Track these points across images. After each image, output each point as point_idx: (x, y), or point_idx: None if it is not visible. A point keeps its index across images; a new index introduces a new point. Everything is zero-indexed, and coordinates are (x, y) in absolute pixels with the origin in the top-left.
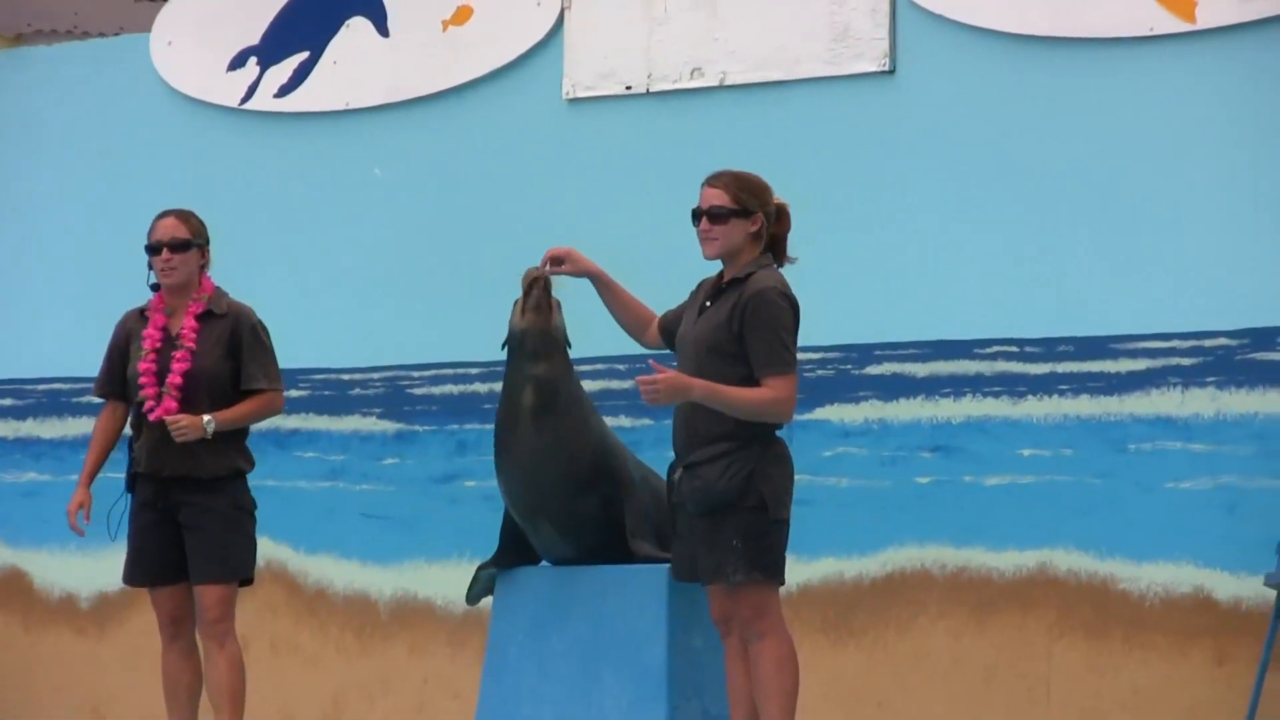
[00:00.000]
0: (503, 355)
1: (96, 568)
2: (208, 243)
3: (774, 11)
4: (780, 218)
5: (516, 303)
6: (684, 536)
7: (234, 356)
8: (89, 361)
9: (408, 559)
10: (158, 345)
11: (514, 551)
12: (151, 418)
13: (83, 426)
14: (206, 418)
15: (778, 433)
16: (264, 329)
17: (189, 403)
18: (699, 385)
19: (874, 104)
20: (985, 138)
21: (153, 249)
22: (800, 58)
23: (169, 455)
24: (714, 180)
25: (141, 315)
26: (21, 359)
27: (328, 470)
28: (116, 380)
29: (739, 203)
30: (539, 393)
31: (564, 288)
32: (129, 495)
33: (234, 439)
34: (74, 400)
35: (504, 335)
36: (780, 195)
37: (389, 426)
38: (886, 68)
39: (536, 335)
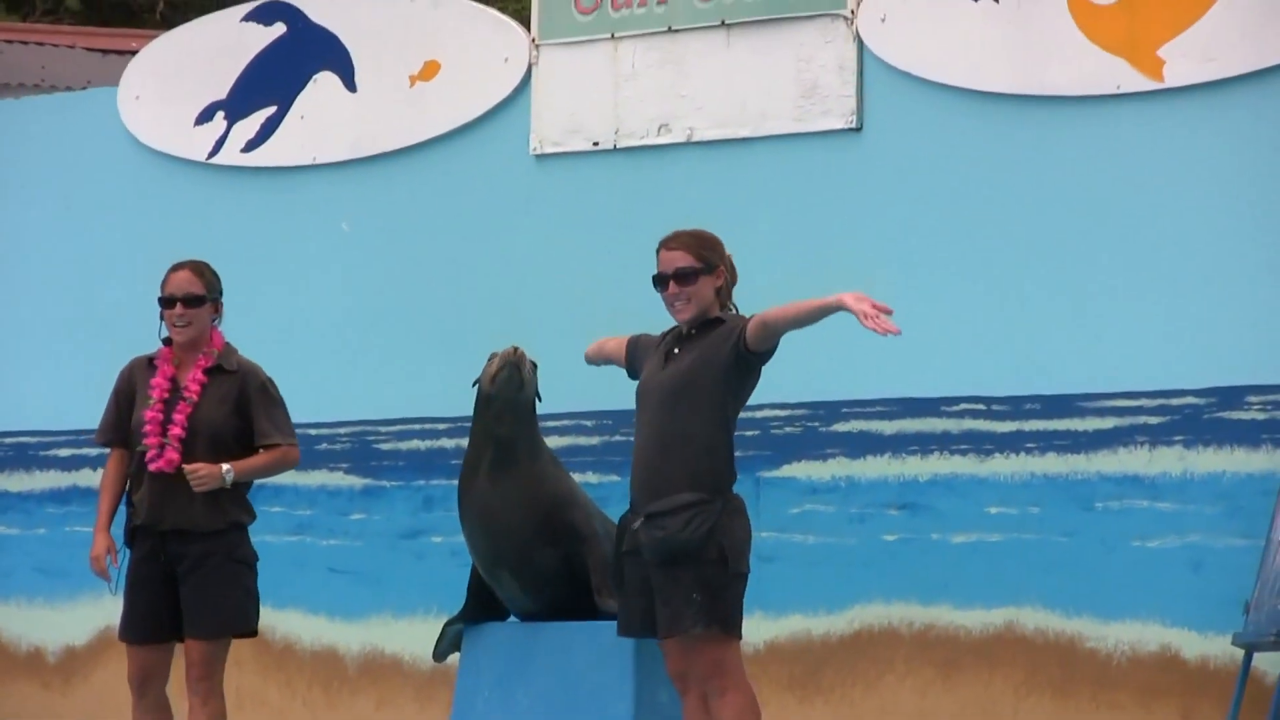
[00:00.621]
0: (469, 411)
1: (64, 621)
2: (221, 296)
3: (741, 68)
4: (731, 271)
5: (492, 358)
6: (633, 589)
7: (241, 413)
8: (56, 414)
9: (375, 614)
10: (165, 396)
11: (480, 607)
12: (152, 467)
13: (50, 480)
14: (226, 467)
15: (734, 488)
16: (274, 385)
17: (189, 455)
18: (825, 301)
19: (841, 160)
20: (952, 195)
21: (166, 302)
22: (767, 114)
23: (168, 507)
24: (671, 243)
25: (150, 364)
26: None
27: (295, 524)
28: (121, 427)
29: (702, 260)
30: (499, 449)
31: (537, 342)
32: (127, 549)
33: (233, 491)
34: (41, 454)
35: (470, 391)
36: (745, 251)
37: (356, 481)
38: (854, 125)
39: (503, 403)
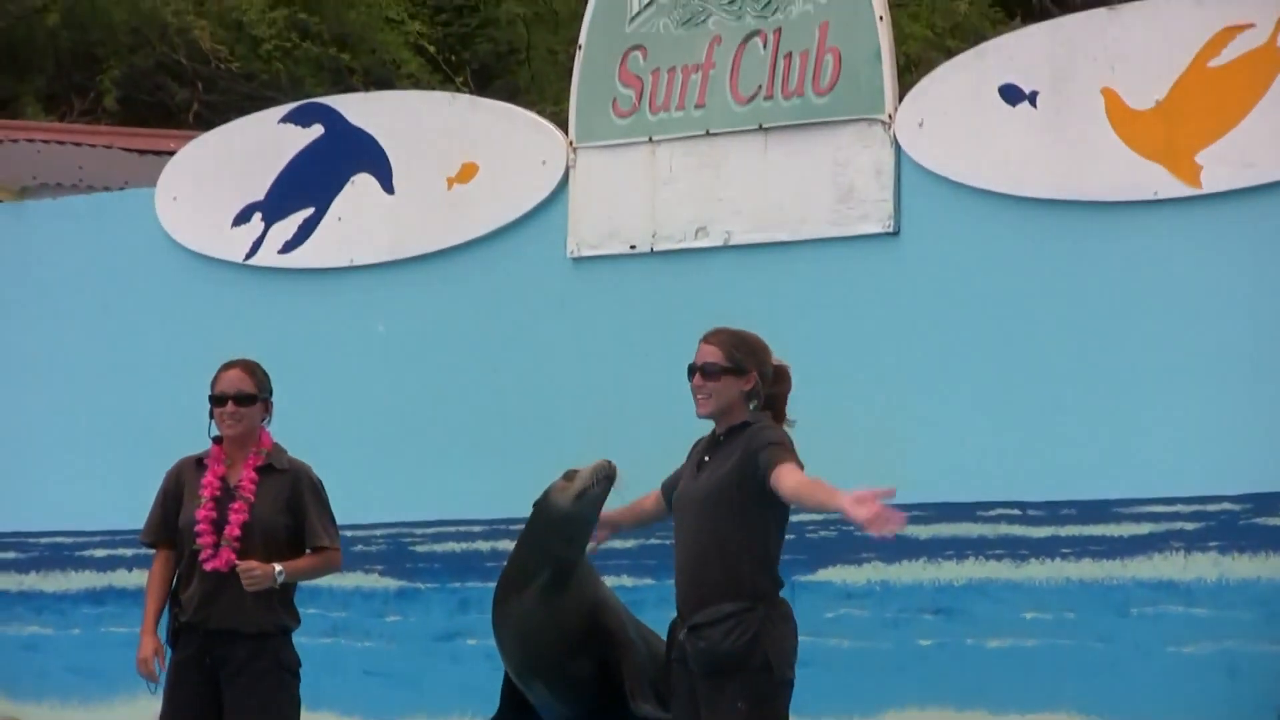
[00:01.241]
0: (505, 513)
1: None
2: (270, 395)
3: (778, 172)
4: (779, 378)
5: (572, 477)
6: (682, 695)
7: (292, 512)
8: (91, 515)
9: (410, 717)
10: (216, 494)
11: (515, 710)
12: (207, 567)
13: (85, 580)
14: (277, 568)
15: (781, 593)
16: (323, 487)
17: (244, 554)
18: (838, 494)
19: (878, 264)
20: (989, 299)
21: (217, 400)
22: (805, 218)
23: (217, 607)
24: (710, 337)
25: (198, 464)
26: (24, 511)
27: (330, 626)
28: (170, 527)
29: (732, 360)
30: (556, 573)
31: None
32: (169, 648)
33: (283, 595)
34: (77, 554)
35: (505, 493)
36: (783, 355)
37: (391, 583)
38: (891, 229)
39: (580, 524)
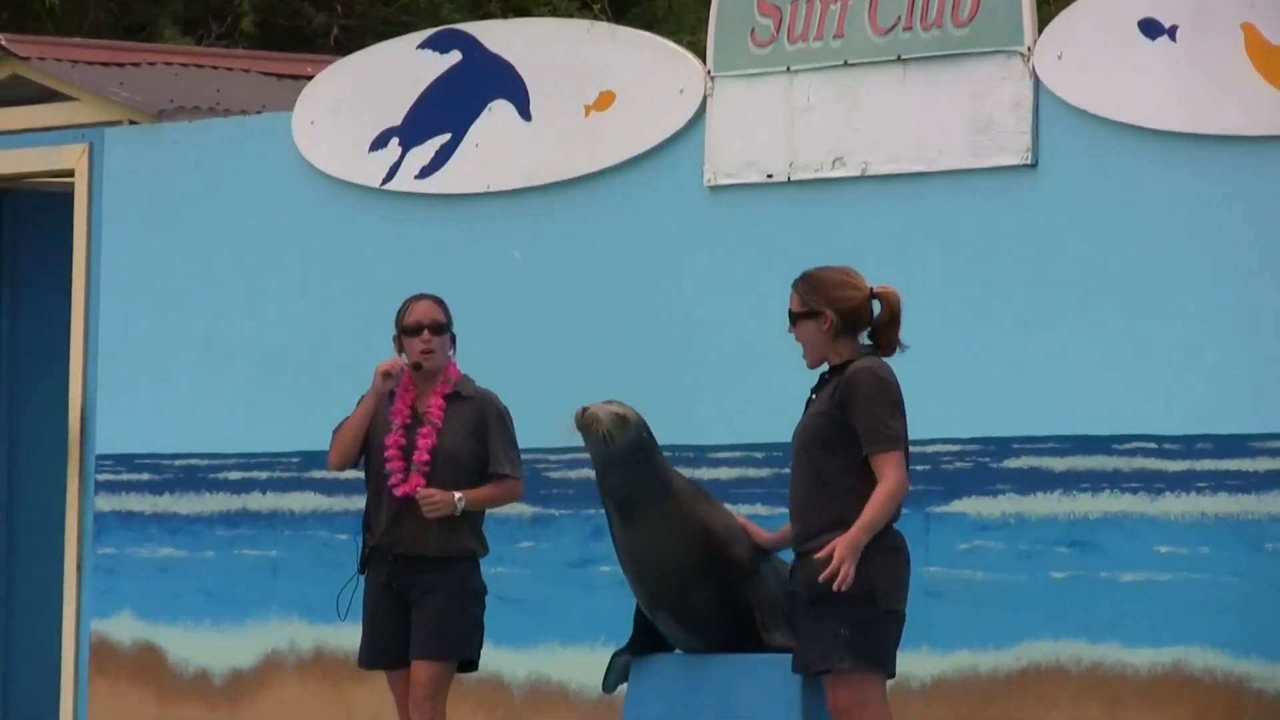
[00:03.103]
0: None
1: (230, 644)
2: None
3: (916, 104)
4: (881, 306)
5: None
6: (799, 628)
7: (479, 440)
8: (226, 437)
9: (541, 643)
10: (406, 421)
11: (648, 638)
12: (397, 492)
13: (218, 503)
14: (457, 495)
15: (914, 524)
16: (509, 416)
17: (432, 481)
18: (849, 540)
19: (1015, 197)
20: (1126, 232)
21: (412, 330)
22: (942, 150)
23: (404, 531)
24: (795, 283)
25: (389, 394)
26: (158, 434)
27: None
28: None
29: (805, 305)
30: (618, 501)
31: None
32: (360, 578)
33: (469, 521)
34: (210, 476)
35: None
36: (917, 286)
37: (525, 510)
38: (1028, 161)
39: (599, 460)
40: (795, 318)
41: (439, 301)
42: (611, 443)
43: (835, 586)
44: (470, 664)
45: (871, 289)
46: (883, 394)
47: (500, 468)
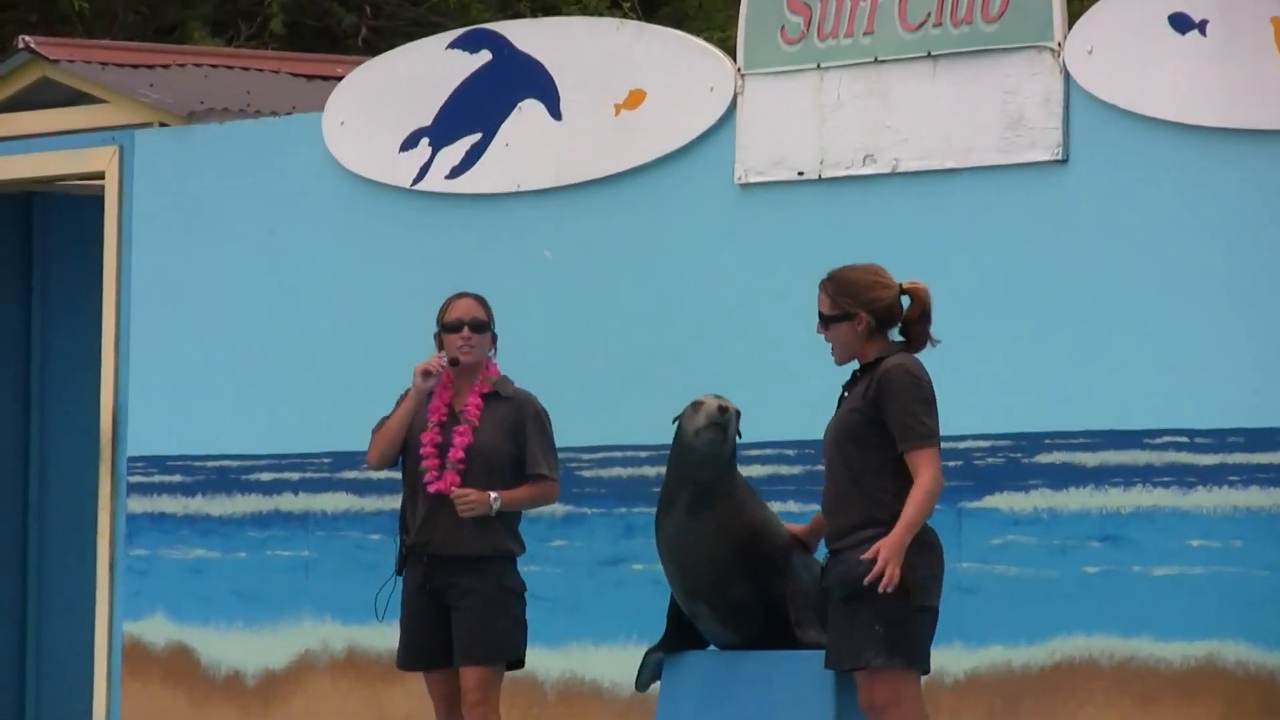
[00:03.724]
0: (670, 439)
1: (263, 645)
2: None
3: (946, 100)
4: (911, 301)
5: (697, 407)
6: (832, 624)
7: (515, 440)
8: (258, 439)
9: (574, 641)
10: (442, 419)
11: (680, 636)
12: (431, 489)
13: (250, 504)
14: (493, 495)
15: (943, 520)
16: (548, 418)
17: (467, 479)
18: (893, 541)
19: (1046, 193)
20: (1157, 227)
21: (452, 327)
22: (972, 146)
23: (438, 530)
24: (822, 284)
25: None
26: (190, 436)
27: None
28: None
29: (838, 307)
30: (697, 492)
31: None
32: (398, 578)
33: (504, 520)
34: (243, 478)
35: (671, 420)
36: (948, 282)
37: (557, 508)
38: (1059, 157)
39: (701, 457)
40: (827, 320)
41: (480, 300)
42: (725, 444)
43: (881, 588)
44: (518, 662)
45: (901, 285)
46: (917, 390)
47: (538, 468)
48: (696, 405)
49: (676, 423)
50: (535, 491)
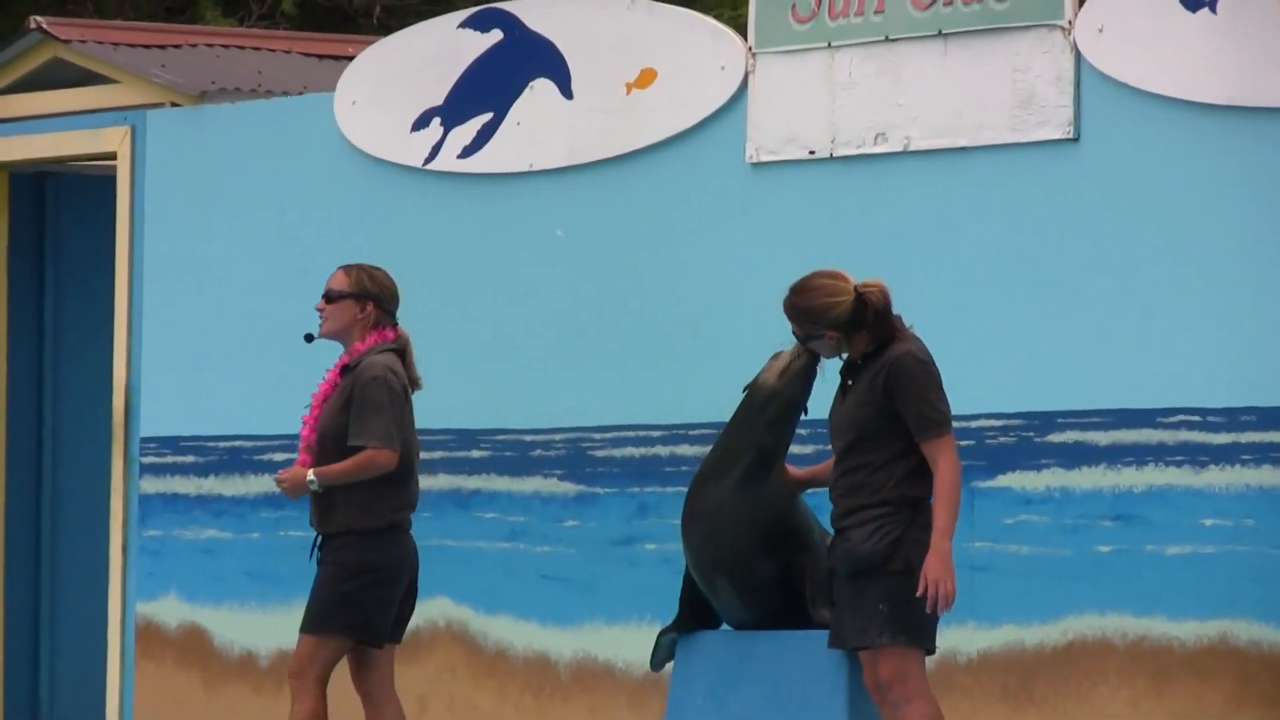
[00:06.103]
0: (683, 418)
1: (276, 625)
2: (372, 298)
3: (957, 78)
4: (864, 305)
5: (778, 357)
6: (837, 603)
7: (349, 413)
8: (269, 419)
9: (587, 621)
10: (321, 399)
11: (694, 616)
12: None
13: (263, 484)
14: (310, 474)
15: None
16: (380, 384)
17: (319, 458)
18: (937, 559)
19: (1057, 170)
20: (1168, 205)
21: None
22: (984, 124)
23: (313, 512)
24: (785, 312)
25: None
26: (203, 416)
27: (508, 531)
28: None
29: (804, 330)
30: (758, 458)
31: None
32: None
33: (344, 496)
34: (255, 458)
35: (683, 399)
36: (959, 261)
37: (570, 488)
38: (1070, 135)
39: (786, 404)
40: (803, 340)
41: (348, 269)
42: (809, 387)
43: (940, 611)
44: (372, 637)
45: (855, 287)
46: (927, 377)
47: (355, 439)
48: (776, 356)
49: (748, 387)
50: (352, 463)
